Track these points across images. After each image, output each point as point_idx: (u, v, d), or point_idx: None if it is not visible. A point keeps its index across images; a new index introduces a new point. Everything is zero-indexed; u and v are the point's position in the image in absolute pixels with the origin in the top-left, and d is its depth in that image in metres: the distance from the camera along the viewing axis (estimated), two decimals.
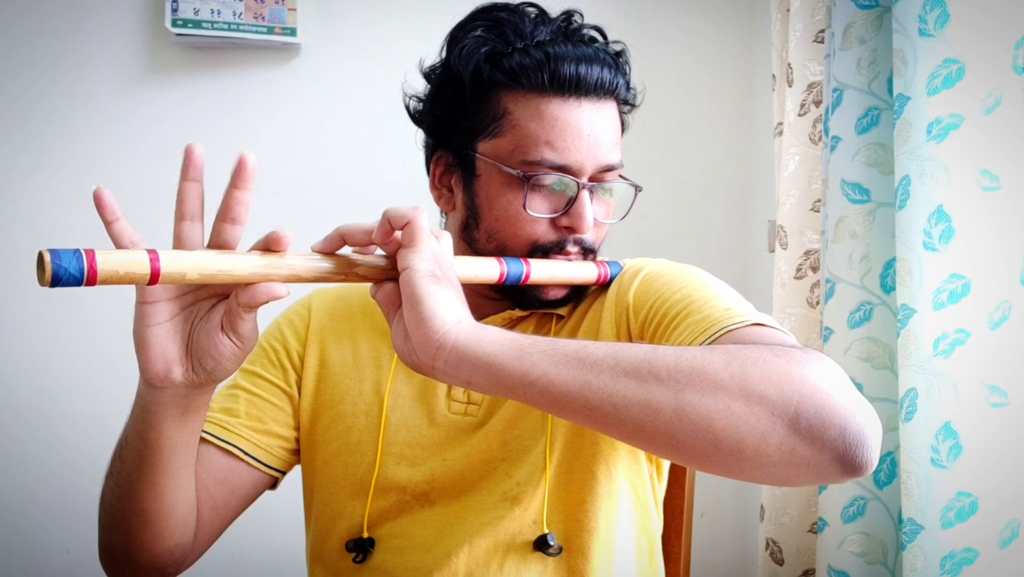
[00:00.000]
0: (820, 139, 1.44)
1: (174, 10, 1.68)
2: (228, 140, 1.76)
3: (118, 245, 0.66)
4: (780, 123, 1.55)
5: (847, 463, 0.62)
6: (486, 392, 0.68)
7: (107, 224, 0.66)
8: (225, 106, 1.77)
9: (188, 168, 0.68)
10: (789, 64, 1.48)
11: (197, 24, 1.69)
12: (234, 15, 1.69)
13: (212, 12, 1.68)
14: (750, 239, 1.80)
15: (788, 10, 1.52)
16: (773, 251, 1.56)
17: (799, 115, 1.47)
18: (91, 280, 0.59)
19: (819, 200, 1.44)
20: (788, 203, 1.48)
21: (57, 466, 1.73)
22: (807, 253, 1.47)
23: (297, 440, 0.96)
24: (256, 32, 1.69)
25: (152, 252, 0.62)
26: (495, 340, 0.66)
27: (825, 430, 0.62)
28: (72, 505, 1.71)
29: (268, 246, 0.68)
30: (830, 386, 0.63)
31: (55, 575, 1.74)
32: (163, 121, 1.76)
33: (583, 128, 0.86)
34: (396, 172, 1.68)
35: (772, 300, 1.51)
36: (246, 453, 0.92)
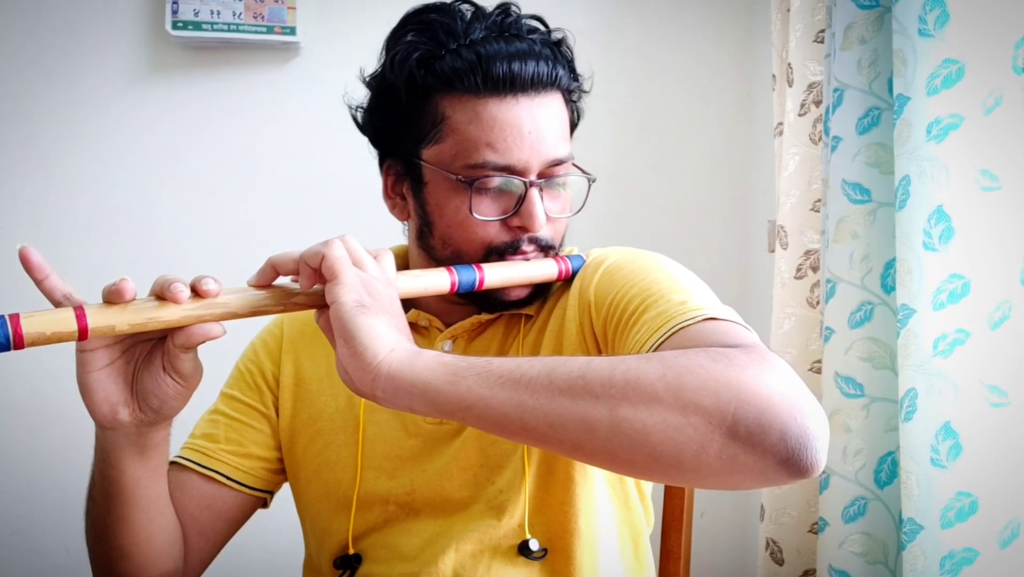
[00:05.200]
0: (820, 139, 1.44)
1: (174, 12, 1.68)
2: (228, 141, 1.77)
3: (51, 300, 0.67)
4: (780, 123, 1.55)
5: (791, 466, 0.60)
6: (429, 416, 0.67)
7: (37, 283, 0.66)
8: (225, 107, 1.77)
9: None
10: (789, 64, 1.49)
11: (197, 26, 1.69)
12: (234, 15, 1.69)
13: (212, 13, 1.68)
14: (750, 239, 1.80)
15: (788, 10, 1.52)
16: (773, 251, 1.56)
17: (799, 115, 1.47)
18: (18, 344, 0.59)
19: (819, 200, 1.44)
20: (788, 203, 1.48)
21: (57, 466, 1.73)
22: (807, 253, 1.47)
23: (280, 460, 0.96)
24: (256, 32, 1.69)
25: (79, 309, 0.62)
26: (428, 366, 0.65)
27: (765, 436, 0.59)
28: (72, 505, 1.70)
29: (196, 292, 0.67)
30: (770, 389, 0.61)
31: (55, 575, 1.74)
32: (163, 122, 1.76)
33: (523, 126, 0.83)
34: None
35: (772, 300, 1.51)
36: (228, 477, 0.92)
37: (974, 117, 1.13)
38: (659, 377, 0.62)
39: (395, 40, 0.88)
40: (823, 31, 1.44)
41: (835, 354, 1.29)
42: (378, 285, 0.70)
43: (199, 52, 1.75)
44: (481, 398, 0.63)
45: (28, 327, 0.60)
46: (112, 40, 1.75)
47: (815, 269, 1.46)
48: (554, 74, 0.85)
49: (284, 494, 1.00)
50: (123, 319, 0.64)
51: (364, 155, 1.77)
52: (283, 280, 0.73)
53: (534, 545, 0.86)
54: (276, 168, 1.78)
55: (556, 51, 0.88)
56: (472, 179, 0.83)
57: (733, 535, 1.82)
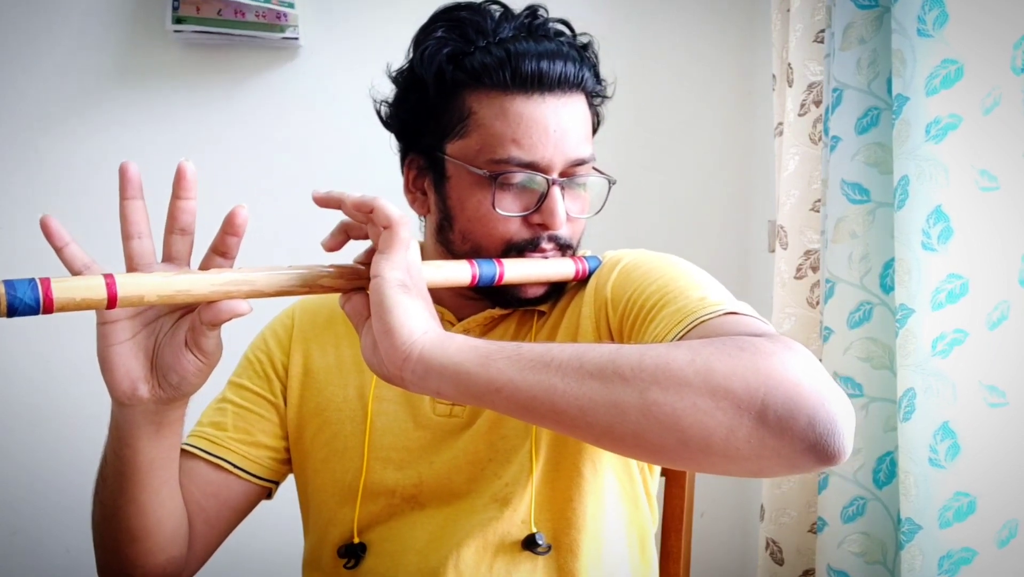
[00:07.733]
0: (820, 139, 1.44)
1: (175, 7, 1.68)
2: (228, 140, 1.77)
3: (71, 269, 0.67)
4: (780, 123, 1.55)
5: (819, 452, 0.61)
6: (455, 400, 0.67)
7: (57, 250, 0.66)
8: (225, 106, 1.77)
9: (125, 187, 0.69)
10: (789, 64, 1.49)
11: (198, 21, 1.68)
12: None
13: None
14: (750, 239, 1.80)
15: (788, 10, 1.52)
16: (773, 251, 1.56)
17: (799, 115, 1.47)
18: (48, 308, 0.59)
19: (819, 200, 1.44)
20: (788, 203, 1.48)
21: (57, 466, 1.73)
22: (807, 253, 1.47)
23: (287, 450, 0.97)
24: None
25: (109, 277, 0.62)
26: (460, 348, 0.66)
27: (794, 421, 0.60)
28: (72, 505, 1.71)
29: (224, 230, 0.69)
30: (798, 375, 0.62)
31: (55, 575, 1.75)
32: (164, 121, 1.76)
33: (548, 124, 0.85)
34: (395, 172, 1.68)
35: (772, 300, 1.51)
36: (235, 466, 0.92)
37: (973, 117, 1.13)
38: (688, 362, 0.62)
39: (424, 36, 0.89)
40: (823, 31, 1.44)
41: (834, 354, 1.29)
42: (417, 269, 0.71)
43: (199, 50, 1.75)
44: (511, 381, 0.64)
45: (59, 292, 0.60)
46: (111, 37, 1.75)
47: (815, 269, 1.46)
48: (580, 75, 0.87)
49: (285, 496, 1.00)
50: (151, 290, 0.64)
51: (362, 155, 1.78)
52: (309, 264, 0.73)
53: (540, 539, 0.86)
54: (275, 167, 1.78)
55: (582, 54, 0.89)
56: (496, 174, 0.85)
57: (733, 535, 1.82)
